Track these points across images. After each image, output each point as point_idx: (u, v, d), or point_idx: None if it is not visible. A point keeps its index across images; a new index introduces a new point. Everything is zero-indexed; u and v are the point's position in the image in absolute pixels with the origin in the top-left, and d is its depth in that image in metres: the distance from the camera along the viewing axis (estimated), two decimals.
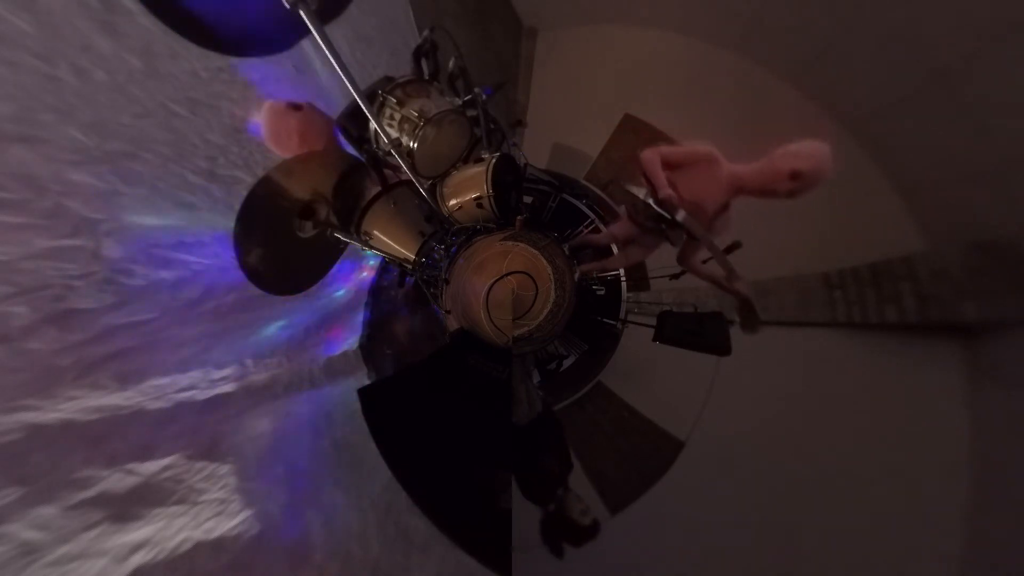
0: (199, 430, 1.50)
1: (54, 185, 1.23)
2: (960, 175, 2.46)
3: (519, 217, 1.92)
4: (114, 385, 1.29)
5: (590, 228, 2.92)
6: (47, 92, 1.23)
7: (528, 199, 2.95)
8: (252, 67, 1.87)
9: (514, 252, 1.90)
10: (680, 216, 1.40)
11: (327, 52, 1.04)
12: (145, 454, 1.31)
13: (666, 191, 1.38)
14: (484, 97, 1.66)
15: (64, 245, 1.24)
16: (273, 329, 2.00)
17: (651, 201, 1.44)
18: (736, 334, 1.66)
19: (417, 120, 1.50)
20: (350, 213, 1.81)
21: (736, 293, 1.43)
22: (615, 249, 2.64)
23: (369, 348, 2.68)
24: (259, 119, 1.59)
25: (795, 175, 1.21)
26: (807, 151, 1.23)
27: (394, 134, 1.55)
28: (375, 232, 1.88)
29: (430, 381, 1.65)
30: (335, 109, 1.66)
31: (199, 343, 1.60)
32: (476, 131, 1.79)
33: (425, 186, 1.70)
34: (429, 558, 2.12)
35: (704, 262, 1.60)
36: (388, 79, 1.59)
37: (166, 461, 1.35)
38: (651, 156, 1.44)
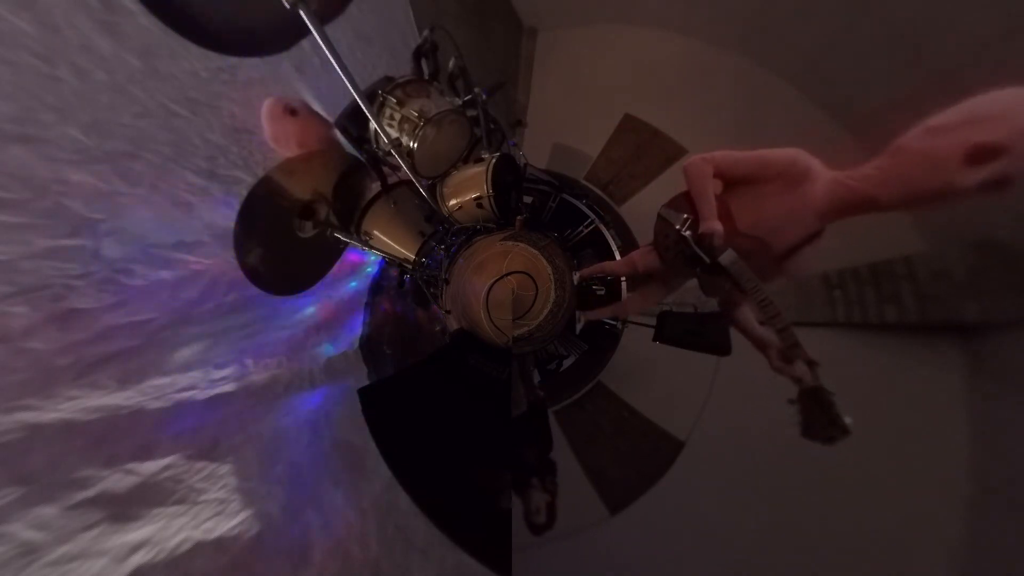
0: (199, 430, 1.50)
1: (54, 185, 1.23)
2: None
3: (519, 217, 1.92)
4: (114, 385, 1.29)
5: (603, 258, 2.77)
6: (47, 92, 1.23)
7: (528, 199, 2.95)
8: (252, 67, 1.87)
9: (514, 252, 1.90)
10: (726, 260, 0.98)
11: (327, 52, 1.04)
12: (145, 454, 1.31)
13: (710, 225, 0.99)
14: (484, 97, 1.67)
15: (64, 245, 1.24)
16: (273, 329, 2.00)
17: (688, 235, 1.05)
18: (737, 335, 1.35)
19: (417, 120, 1.50)
20: (350, 213, 1.81)
21: (793, 377, 0.93)
22: (624, 290, 2.34)
23: (369, 348, 2.68)
24: (261, 119, 1.58)
25: (982, 151, 0.63)
26: (992, 108, 0.66)
27: (394, 134, 1.55)
28: (375, 232, 1.88)
29: (430, 381, 1.65)
30: (335, 109, 1.66)
31: (199, 343, 1.60)
32: (476, 131, 1.79)
33: (425, 186, 1.70)
34: (429, 558, 2.12)
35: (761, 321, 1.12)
36: (388, 79, 1.60)
37: (166, 461, 1.35)
38: (700, 168, 1.02)
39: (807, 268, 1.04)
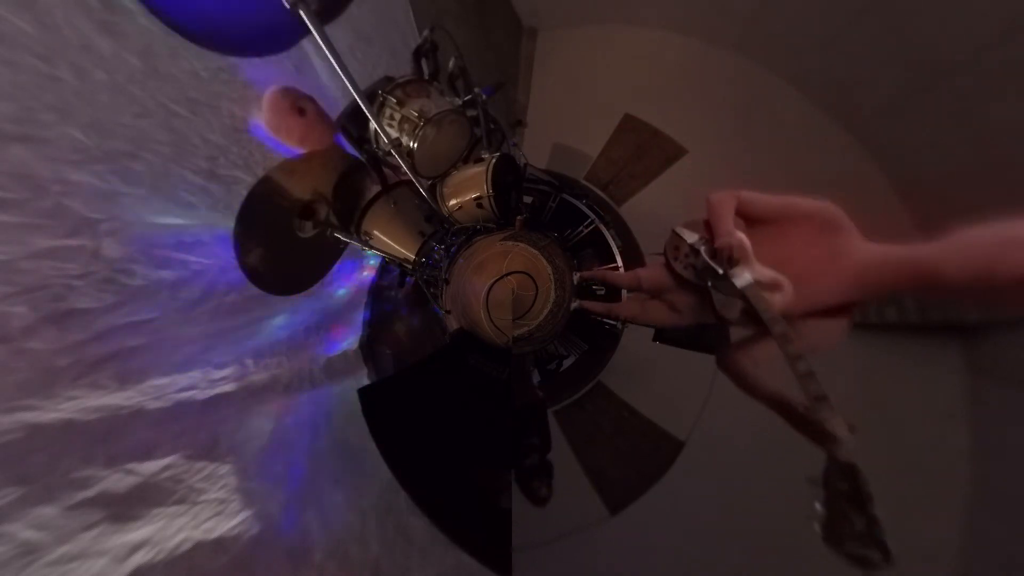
0: (199, 430, 1.50)
1: (54, 185, 1.23)
2: (960, 175, 2.46)
3: (519, 217, 1.92)
4: (114, 385, 1.29)
5: (610, 266, 2.70)
6: (47, 92, 1.23)
7: (528, 199, 2.95)
8: (252, 67, 1.87)
9: (514, 252, 1.90)
10: (741, 280, 0.86)
11: (327, 52, 1.04)
12: (145, 454, 1.31)
13: (728, 239, 0.89)
14: (484, 97, 1.67)
15: (64, 245, 1.24)
16: (273, 329, 2.00)
17: (702, 248, 0.96)
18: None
19: (417, 120, 1.50)
20: (350, 213, 1.81)
21: (824, 441, 0.73)
22: (624, 296, 2.26)
23: (369, 348, 2.68)
24: (262, 109, 1.56)
25: None
26: None
27: (394, 134, 1.55)
28: (375, 232, 1.88)
29: (430, 381, 1.65)
30: (335, 109, 1.66)
31: (199, 343, 1.60)
32: (476, 131, 1.79)
33: (425, 186, 1.71)
34: (429, 558, 2.12)
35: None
36: (388, 79, 1.60)
37: (166, 461, 1.35)
38: (723, 198, 0.95)
39: (825, 342, 0.88)
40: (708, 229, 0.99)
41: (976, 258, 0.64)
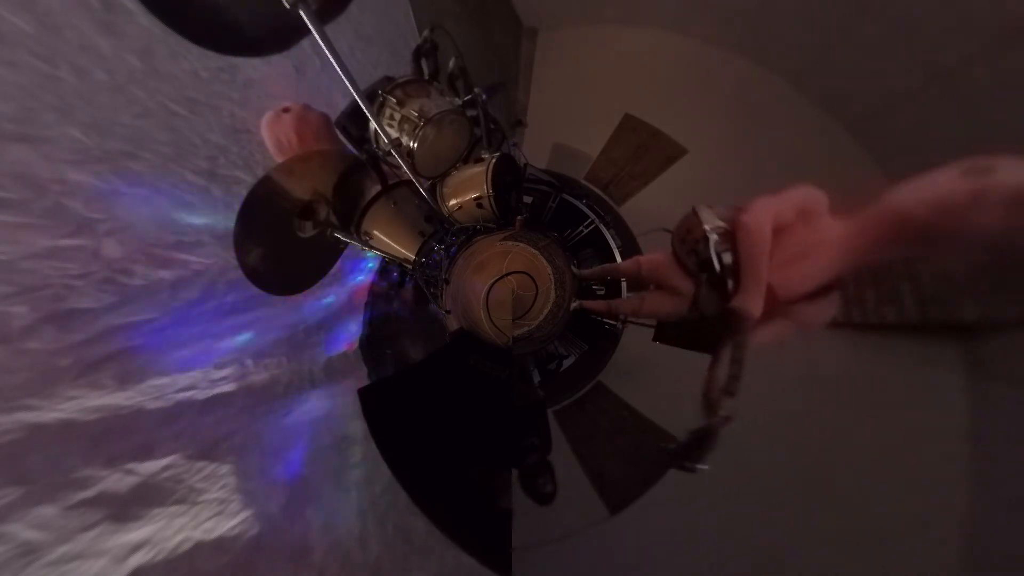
0: (199, 430, 1.50)
1: (54, 185, 1.23)
2: None
3: (519, 217, 1.92)
4: (114, 385, 1.29)
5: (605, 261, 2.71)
6: (47, 92, 1.23)
7: (528, 199, 2.95)
8: (252, 67, 1.87)
9: (514, 252, 1.91)
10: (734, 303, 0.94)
11: (327, 52, 1.04)
12: (145, 454, 1.31)
13: (748, 304, 0.91)
14: (484, 97, 1.67)
15: (64, 245, 1.24)
16: (273, 329, 2.00)
17: (713, 239, 0.94)
18: None
19: (417, 120, 1.50)
20: (350, 213, 1.81)
21: (715, 410, 0.97)
22: (624, 292, 2.33)
23: (369, 348, 2.67)
24: (262, 133, 1.60)
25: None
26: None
27: (394, 134, 1.55)
28: (375, 232, 1.88)
29: (430, 381, 1.65)
30: (335, 109, 1.67)
31: (199, 343, 1.60)
32: (476, 131, 1.79)
33: (425, 186, 1.70)
34: (429, 558, 2.12)
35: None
36: (388, 79, 1.59)
37: (166, 461, 1.35)
38: (764, 228, 0.89)
39: (820, 320, 0.95)
40: (731, 236, 0.96)
41: (946, 200, 0.68)
